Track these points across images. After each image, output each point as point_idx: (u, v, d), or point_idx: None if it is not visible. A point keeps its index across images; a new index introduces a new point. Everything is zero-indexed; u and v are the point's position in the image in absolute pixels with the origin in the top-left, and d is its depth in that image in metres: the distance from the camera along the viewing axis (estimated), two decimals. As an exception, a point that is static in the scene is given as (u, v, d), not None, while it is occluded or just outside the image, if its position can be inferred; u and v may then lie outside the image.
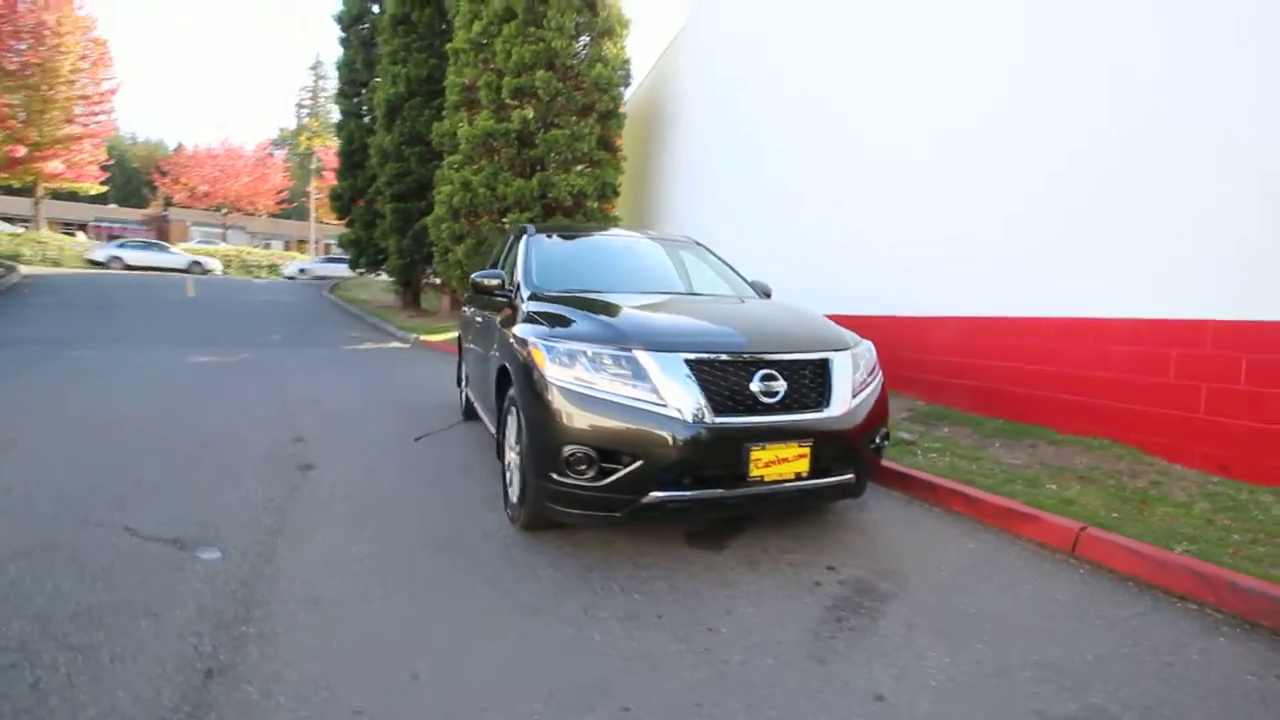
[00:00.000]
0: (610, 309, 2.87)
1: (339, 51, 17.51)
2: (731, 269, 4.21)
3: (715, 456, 2.38)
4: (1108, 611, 2.32)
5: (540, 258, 3.68)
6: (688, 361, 2.44)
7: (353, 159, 16.95)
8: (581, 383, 2.45)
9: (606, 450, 2.38)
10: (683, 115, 12.58)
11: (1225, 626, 2.21)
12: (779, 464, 2.44)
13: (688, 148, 12.35)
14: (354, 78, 16.90)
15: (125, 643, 1.93)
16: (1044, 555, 2.82)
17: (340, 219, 18.38)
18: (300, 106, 63.76)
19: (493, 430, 3.54)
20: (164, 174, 39.18)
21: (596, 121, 12.21)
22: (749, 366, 2.50)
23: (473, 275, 3.70)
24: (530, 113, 11.92)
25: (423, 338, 12.61)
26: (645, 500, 2.39)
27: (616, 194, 12.99)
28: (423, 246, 15.38)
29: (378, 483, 3.62)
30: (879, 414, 2.80)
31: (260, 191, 40.57)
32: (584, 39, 12.39)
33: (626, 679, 1.83)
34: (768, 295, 3.98)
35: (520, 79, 11.87)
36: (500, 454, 3.31)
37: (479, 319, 4.26)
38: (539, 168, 12.40)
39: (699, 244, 4.46)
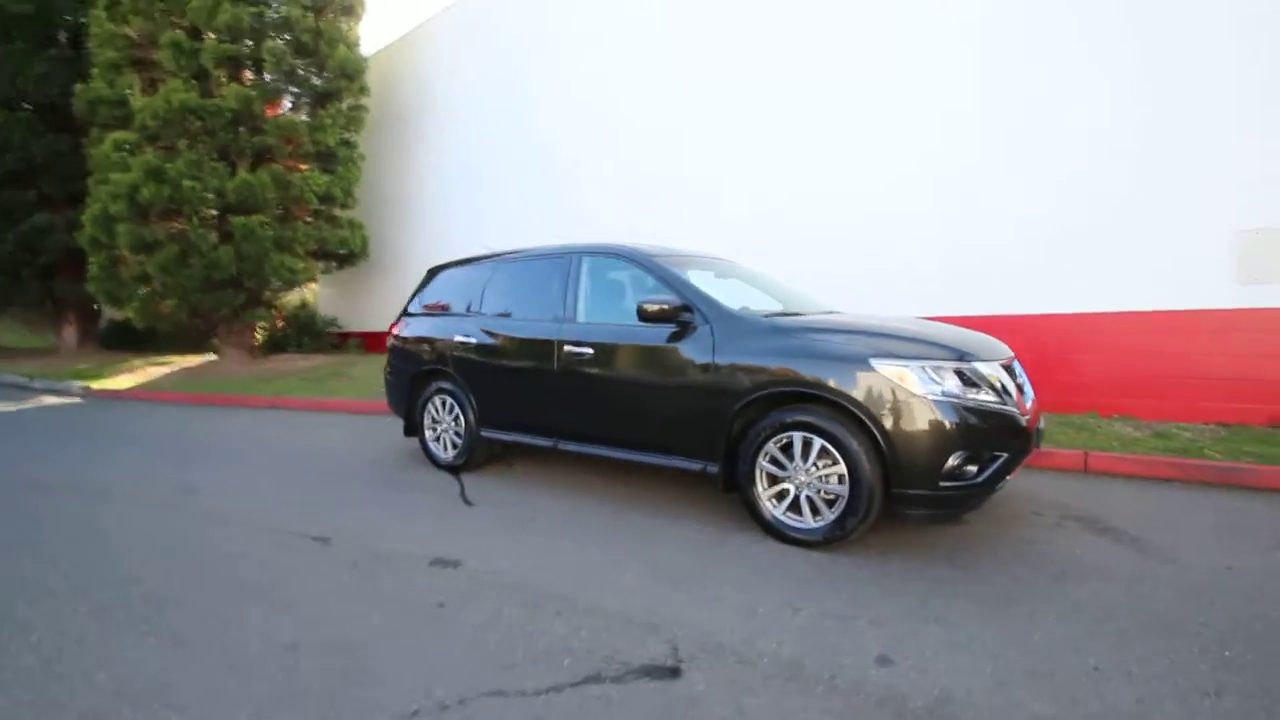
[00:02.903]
0: (879, 327, 3.14)
1: None
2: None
3: (1033, 440, 2.99)
4: (1170, 495, 3.74)
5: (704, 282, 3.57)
6: (1002, 367, 2.98)
7: None
8: (951, 396, 2.73)
9: (981, 451, 2.76)
10: (447, 103, 11.35)
11: (1212, 490, 3.83)
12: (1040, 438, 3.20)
13: (458, 140, 11.15)
14: None
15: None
16: (1076, 475, 4.21)
17: None
18: None
19: (697, 467, 3.30)
20: None
21: (343, 113, 10.48)
22: (1010, 370, 3.16)
23: (640, 302, 3.34)
24: (253, 90, 9.52)
25: (97, 385, 8.87)
26: (998, 487, 2.85)
27: (354, 199, 11.38)
28: (36, 254, 10.52)
29: (564, 557, 3.01)
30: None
31: None
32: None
33: (1129, 618, 2.35)
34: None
35: (233, 45, 9.40)
36: (734, 487, 3.20)
37: (579, 352, 3.73)
38: (265, 159, 10.00)
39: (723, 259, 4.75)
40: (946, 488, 2.72)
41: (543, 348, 3.93)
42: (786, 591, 2.56)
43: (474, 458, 4.41)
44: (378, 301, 13.01)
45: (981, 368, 2.87)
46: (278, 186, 9.65)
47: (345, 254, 11.37)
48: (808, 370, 2.93)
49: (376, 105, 11.99)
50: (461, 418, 4.41)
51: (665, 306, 3.31)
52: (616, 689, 1.91)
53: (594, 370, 3.67)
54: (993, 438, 2.79)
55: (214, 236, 9.44)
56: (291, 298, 12.67)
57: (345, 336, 13.33)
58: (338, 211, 11.01)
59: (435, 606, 2.47)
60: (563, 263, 4.07)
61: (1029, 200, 5.81)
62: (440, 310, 4.72)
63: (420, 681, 1.96)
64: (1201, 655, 2.05)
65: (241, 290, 9.86)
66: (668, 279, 3.55)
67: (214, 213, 9.81)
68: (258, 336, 12.02)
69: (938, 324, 3.53)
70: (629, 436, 3.59)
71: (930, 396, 2.72)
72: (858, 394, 2.80)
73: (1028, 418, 2.96)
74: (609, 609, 2.44)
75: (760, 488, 3.10)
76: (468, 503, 3.83)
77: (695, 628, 2.28)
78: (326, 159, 10.45)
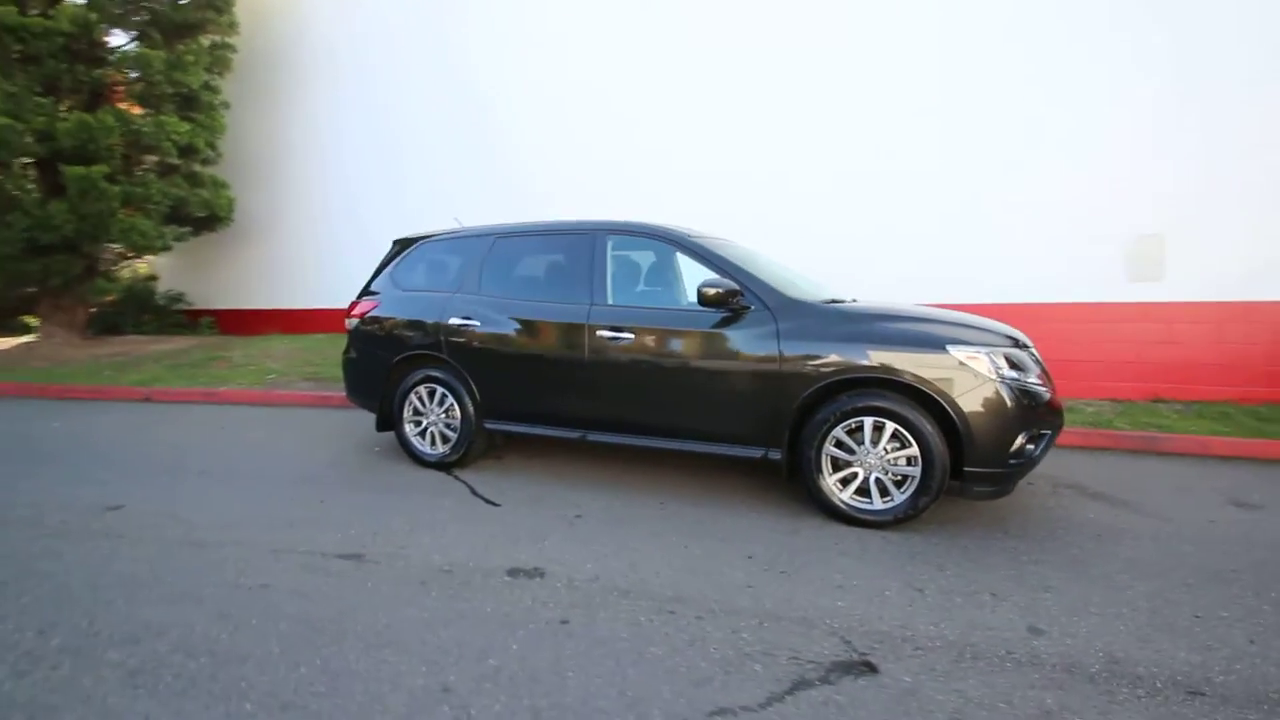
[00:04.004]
0: (932, 314, 3.30)
1: None
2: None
3: (1062, 419, 3.32)
4: (1116, 462, 4.34)
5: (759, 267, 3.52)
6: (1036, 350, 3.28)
7: None
8: (1014, 379, 2.95)
9: (1035, 430, 3.02)
10: (350, 47, 9.89)
11: (1141, 456, 4.52)
12: (1054, 417, 3.56)
13: (365, 94, 9.81)
14: None
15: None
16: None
17: None
18: None
19: (758, 454, 3.25)
20: None
21: (207, 51, 8.92)
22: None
23: (700, 285, 3.21)
24: (93, 12, 7.77)
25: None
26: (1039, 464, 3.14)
27: (218, 154, 9.82)
28: None
29: (646, 555, 2.87)
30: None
31: None
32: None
33: (1180, 571, 2.73)
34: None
35: (61, -48, 7.59)
36: (796, 473, 3.22)
37: (616, 336, 3.51)
38: (106, 98, 8.25)
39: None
40: (1013, 465, 2.95)
41: (569, 332, 3.65)
42: (896, 573, 2.63)
43: (471, 452, 4.02)
44: (236, 275, 11.36)
45: (1025, 353, 3.14)
46: (124, 132, 7.99)
47: (204, 218, 9.75)
48: (886, 357, 3.00)
49: (242, 43, 10.31)
50: (457, 408, 3.99)
51: (723, 290, 3.22)
52: (834, 692, 1.85)
53: (635, 356, 3.48)
54: (1043, 417, 3.06)
55: (39, 189, 7.62)
56: (128, 269, 10.68)
57: (195, 315, 11.49)
58: (198, 167, 9.39)
59: (560, 623, 2.23)
60: (583, 240, 3.79)
61: (945, 199, 6.42)
62: (424, 288, 4.20)
63: (626, 709, 1.76)
64: (1258, 598, 2.42)
65: (78, 257, 8.08)
66: (718, 262, 3.45)
67: (32, 160, 7.93)
68: (89, 314, 9.98)
69: (966, 313, 3.79)
70: (678, 425, 3.46)
71: (999, 380, 2.92)
72: (938, 379, 2.92)
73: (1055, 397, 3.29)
74: (745, 607, 2.35)
75: (826, 472, 3.15)
76: (490, 503, 3.48)
77: (845, 618, 2.27)
78: (186, 103, 8.83)
